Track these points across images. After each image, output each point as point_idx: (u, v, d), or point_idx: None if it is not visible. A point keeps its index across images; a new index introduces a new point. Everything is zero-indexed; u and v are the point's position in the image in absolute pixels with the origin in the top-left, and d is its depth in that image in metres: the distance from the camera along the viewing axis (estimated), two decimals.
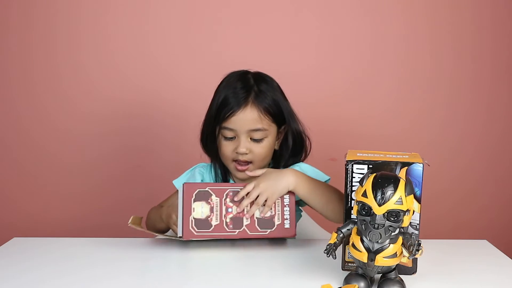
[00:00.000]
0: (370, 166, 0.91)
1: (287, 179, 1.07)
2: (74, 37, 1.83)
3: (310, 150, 1.27)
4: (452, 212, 1.95)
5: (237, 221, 1.06)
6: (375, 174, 0.86)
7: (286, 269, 0.99)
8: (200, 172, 1.28)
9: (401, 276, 0.90)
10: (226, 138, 1.17)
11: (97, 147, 1.88)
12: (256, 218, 1.06)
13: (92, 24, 1.83)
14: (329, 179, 1.19)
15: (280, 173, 1.09)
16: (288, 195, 1.08)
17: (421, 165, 0.90)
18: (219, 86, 1.21)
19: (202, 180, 1.26)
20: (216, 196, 1.06)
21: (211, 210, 1.06)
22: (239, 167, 1.18)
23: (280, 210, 1.07)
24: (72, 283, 0.93)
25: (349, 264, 0.97)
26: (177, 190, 1.23)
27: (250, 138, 1.15)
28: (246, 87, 1.16)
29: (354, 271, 0.90)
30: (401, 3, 1.87)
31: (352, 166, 0.92)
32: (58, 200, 1.90)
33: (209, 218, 1.05)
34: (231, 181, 1.26)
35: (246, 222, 1.06)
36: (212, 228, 1.06)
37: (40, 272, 0.97)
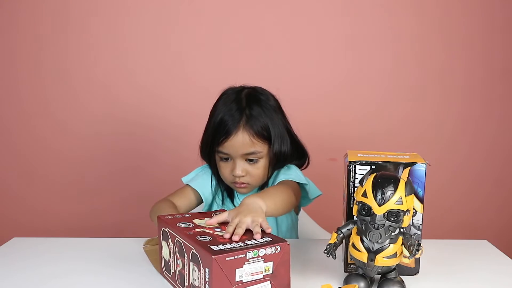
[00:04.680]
0: (373, 167, 0.91)
1: (257, 203, 0.96)
2: (87, 40, 1.84)
3: (308, 163, 1.27)
4: (450, 212, 1.95)
5: (182, 277, 0.87)
6: (375, 174, 0.86)
7: None
8: (211, 171, 1.28)
9: (402, 276, 0.90)
10: (222, 159, 1.19)
11: (99, 147, 1.88)
12: (191, 283, 0.83)
13: (107, 28, 1.85)
14: (306, 184, 1.21)
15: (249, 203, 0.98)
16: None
17: (424, 165, 0.90)
18: (217, 102, 1.21)
19: (211, 180, 1.26)
20: (171, 242, 0.89)
21: (170, 254, 0.90)
22: (238, 185, 1.20)
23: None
24: (72, 283, 0.93)
25: (352, 266, 0.96)
26: (185, 186, 1.25)
27: (246, 159, 1.17)
28: (239, 109, 1.16)
29: (354, 271, 0.90)
30: (392, 3, 1.86)
31: (355, 167, 0.92)
32: (59, 199, 1.90)
33: (169, 262, 0.91)
34: (235, 193, 1.26)
35: (186, 283, 0.85)
36: (171, 275, 0.91)
37: (39, 271, 0.98)
